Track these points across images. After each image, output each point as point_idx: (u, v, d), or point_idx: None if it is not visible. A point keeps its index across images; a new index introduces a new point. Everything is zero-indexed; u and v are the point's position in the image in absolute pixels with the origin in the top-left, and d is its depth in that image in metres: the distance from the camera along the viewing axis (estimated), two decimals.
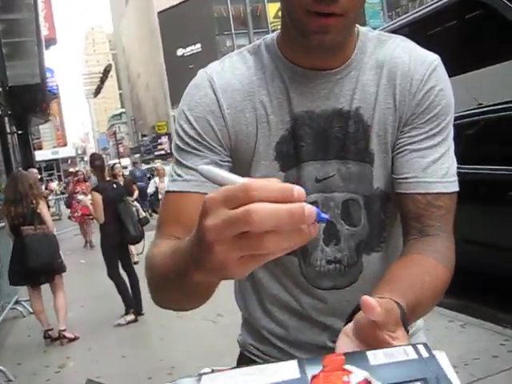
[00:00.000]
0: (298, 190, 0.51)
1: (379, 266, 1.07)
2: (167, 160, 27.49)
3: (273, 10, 42.05)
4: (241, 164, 1.02)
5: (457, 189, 0.98)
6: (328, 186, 1.02)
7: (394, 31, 6.75)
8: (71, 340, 5.27)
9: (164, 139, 49.17)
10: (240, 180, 0.53)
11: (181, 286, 0.71)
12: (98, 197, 5.72)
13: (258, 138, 1.00)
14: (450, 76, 1.02)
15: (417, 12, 7.49)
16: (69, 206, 13.14)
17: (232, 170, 1.00)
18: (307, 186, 1.01)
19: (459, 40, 6.64)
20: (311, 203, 1.00)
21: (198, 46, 43.61)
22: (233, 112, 1.00)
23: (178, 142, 1.01)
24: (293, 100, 0.99)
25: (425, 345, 0.59)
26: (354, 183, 1.02)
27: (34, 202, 5.26)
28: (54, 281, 5.41)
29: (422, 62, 0.99)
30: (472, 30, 6.41)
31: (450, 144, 1.00)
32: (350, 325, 0.68)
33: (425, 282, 0.84)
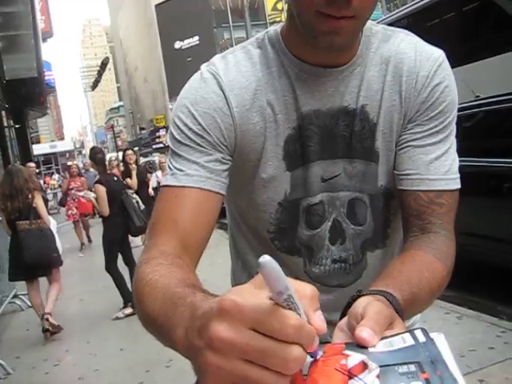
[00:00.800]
0: (316, 342, 0.51)
1: (382, 261, 1.08)
2: (165, 153, 27.47)
3: (270, 2, 41.82)
4: (246, 164, 0.99)
5: (459, 186, 0.97)
6: (334, 186, 1.01)
7: (393, 23, 6.73)
8: (54, 327, 5.23)
9: (162, 132, 49.06)
10: (291, 290, 0.48)
11: (164, 340, 0.68)
12: (102, 189, 5.73)
13: (266, 137, 0.98)
14: None
15: (415, 4, 7.47)
16: (63, 204, 11.94)
17: (234, 170, 0.98)
18: (314, 186, 1.00)
19: (457, 32, 6.63)
20: (317, 203, 1.00)
21: (196, 38, 43.41)
22: (241, 111, 0.96)
23: (178, 136, 0.96)
24: (299, 98, 0.97)
25: (422, 329, 0.60)
26: (360, 182, 1.01)
27: (30, 196, 5.27)
28: (50, 274, 5.44)
29: (427, 58, 0.98)
30: (470, 22, 6.39)
31: (452, 141, 0.99)
32: (344, 319, 0.68)
33: (422, 277, 0.84)
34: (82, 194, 9.06)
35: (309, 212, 1.02)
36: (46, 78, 25.52)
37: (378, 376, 0.52)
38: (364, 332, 0.60)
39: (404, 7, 8.11)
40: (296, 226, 1.03)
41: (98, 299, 6.47)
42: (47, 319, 5.23)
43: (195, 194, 0.92)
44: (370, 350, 0.57)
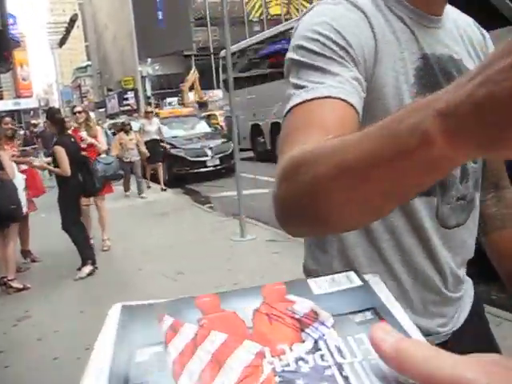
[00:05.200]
0: None
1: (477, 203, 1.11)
2: (133, 116, 27.01)
3: None
4: (376, 100, 0.91)
5: None
6: None
7: None
8: (19, 290, 5.32)
9: (130, 95, 48.11)
10: None
11: (388, 172, 0.51)
12: (62, 150, 5.72)
13: (398, 72, 0.93)
14: None
15: None
16: None
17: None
18: None
19: None
20: None
21: None
22: (380, 36, 0.91)
23: (317, 48, 0.84)
24: (419, 39, 0.97)
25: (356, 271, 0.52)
26: None
27: None
28: (8, 227, 5.43)
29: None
30: None
31: None
32: None
33: None
34: (36, 163, 6.76)
35: None
36: (11, 31, 24.67)
37: (332, 326, 0.47)
38: None
39: None
40: None
41: (59, 259, 6.39)
42: (10, 286, 5.33)
43: (341, 106, 0.78)
44: (315, 291, 0.50)
